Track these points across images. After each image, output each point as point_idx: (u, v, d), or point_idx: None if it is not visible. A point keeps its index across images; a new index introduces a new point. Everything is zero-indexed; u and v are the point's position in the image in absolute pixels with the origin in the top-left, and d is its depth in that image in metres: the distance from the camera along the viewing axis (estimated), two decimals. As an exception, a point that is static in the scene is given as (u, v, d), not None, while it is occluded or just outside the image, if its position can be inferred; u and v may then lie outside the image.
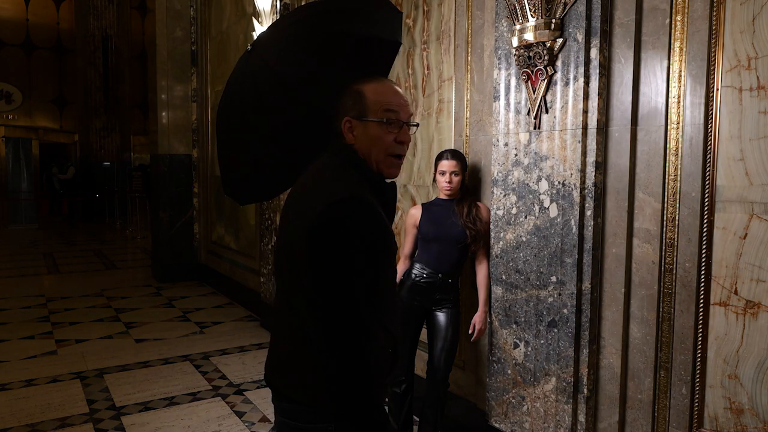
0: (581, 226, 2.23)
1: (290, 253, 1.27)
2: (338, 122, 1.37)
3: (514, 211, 2.47)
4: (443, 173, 2.68)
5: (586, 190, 2.22)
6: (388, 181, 1.37)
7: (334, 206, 1.18)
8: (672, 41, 2.02)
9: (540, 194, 2.35)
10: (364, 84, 1.38)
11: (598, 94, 2.17)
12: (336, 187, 1.24)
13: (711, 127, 1.93)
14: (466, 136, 2.97)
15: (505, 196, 2.51)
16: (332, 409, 1.24)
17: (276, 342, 1.43)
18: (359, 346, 1.19)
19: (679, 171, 2.02)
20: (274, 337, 1.45)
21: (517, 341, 2.48)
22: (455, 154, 2.70)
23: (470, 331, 2.72)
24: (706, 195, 1.95)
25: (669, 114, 2.04)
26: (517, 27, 2.35)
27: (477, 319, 2.70)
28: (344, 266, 1.18)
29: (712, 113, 1.93)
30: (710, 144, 1.93)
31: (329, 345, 1.19)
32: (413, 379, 2.86)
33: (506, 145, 2.50)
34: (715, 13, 1.91)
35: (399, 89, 1.43)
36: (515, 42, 2.37)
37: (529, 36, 2.30)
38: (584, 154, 2.21)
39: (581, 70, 2.19)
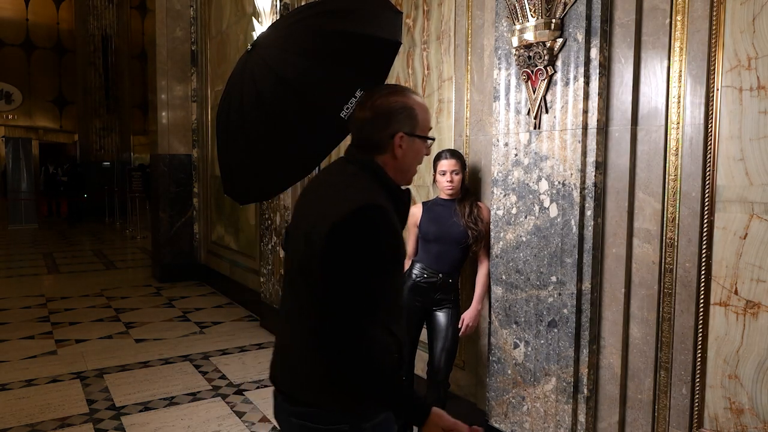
0: (581, 226, 2.23)
1: (307, 256, 1.31)
2: (385, 134, 1.38)
3: (514, 211, 2.47)
4: (443, 173, 2.68)
5: (586, 190, 2.22)
6: (403, 187, 1.43)
7: (357, 212, 1.25)
8: (672, 41, 2.02)
9: (540, 194, 2.35)
10: (409, 99, 1.41)
11: (598, 94, 2.17)
12: (357, 194, 1.30)
13: (711, 127, 1.93)
14: (466, 136, 2.97)
15: (505, 196, 2.51)
16: (351, 396, 1.31)
17: (286, 347, 1.44)
18: (370, 338, 1.26)
19: (679, 171, 2.02)
20: (283, 342, 1.47)
21: (517, 341, 2.48)
22: (454, 153, 2.70)
23: (459, 326, 2.71)
24: (706, 195, 1.95)
25: (669, 114, 2.04)
26: (517, 27, 2.35)
27: (467, 315, 2.70)
28: (362, 266, 1.25)
29: (712, 113, 1.93)
30: (710, 144, 1.93)
31: (341, 339, 1.25)
32: (413, 379, 2.86)
33: (506, 145, 2.50)
34: (715, 13, 1.91)
35: None
36: (515, 42, 2.37)
37: (529, 36, 2.30)
38: (584, 154, 2.21)
39: (581, 70, 2.19)
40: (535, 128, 2.36)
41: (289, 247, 1.45)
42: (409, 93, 1.43)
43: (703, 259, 1.96)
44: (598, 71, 2.16)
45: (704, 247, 1.96)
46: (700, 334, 1.99)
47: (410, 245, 2.85)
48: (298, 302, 1.38)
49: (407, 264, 2.84)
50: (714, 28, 1.91)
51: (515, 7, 2.34)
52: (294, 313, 1.40)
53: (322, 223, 1.27)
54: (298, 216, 1.45)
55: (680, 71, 2.00)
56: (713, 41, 1.91)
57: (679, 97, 2.01)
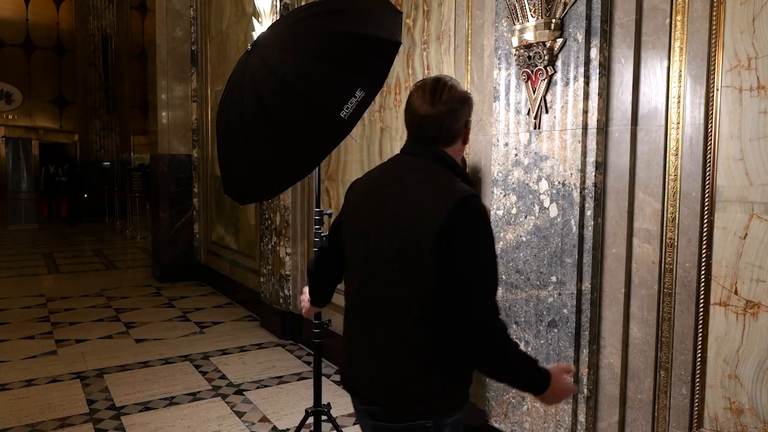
0: (581, 226, 2.23)
1: (408, 255, 1.33)
2: (461, 124, 1.44)
3: (514, 211, 2.47)
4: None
5: (586, 190, 2.22)
6: None
7: (463, 202, 1.31)
8: (672, 41, 2.02)
9: (540, 194, 2.35)
10: (461, 87, 1.47)
11: (598, 94, 2.17)
12: (451, 186, 1.36)
13: (711, 127, 1.93)
14: (466, 136, 2.97)
15: (505, 196, 2.51)
16: (485, 363, 1.36)
17: (367, 350, 1.44)
18: (499, 316, 1.33)
19: (679, 171, 2.02)
20: (362, 346, 1.46)
21: (517, 341, 2.48)
22: None
23: None
24: (706, 195, 1.95)
25: (669, 114, 2.04)
26: (517, 27, 2.35)
27: None
28: (483, 250, 1.33)
29: (712, 113, 1.93)
30: (710, 144, 1.93)
31: (477, 322, 1.29)
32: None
33: (506, 145, 2.50)
34: (715, 13, 1.91)
35: None
36: (515, 42, 2.37)
37: (529, 36, 2.30)
38: (584, 154, 2.21)
39: (581, 70, 2.19)
40: (535, 128, 2.36)
41: (358, 248, 1.46)
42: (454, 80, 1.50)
43: (703, 259, 1.96)
44: (598, 71, 2.16)
45: (704, 247, 1.96)
46: (700, 334, 1.99)
47: None
48: (386, 303, 1.38)
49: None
50: (714, 28, 1.91)
51: (515, 7, 2.34)
52: (381, 314, 1.39)
53: (425, 220, 1.30)
54: (366, 215, 1.44)
55: (680, 71, 2.00)
56: (713, 41, 1.91)
57: (679, 97, 2.01)
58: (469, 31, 2.93)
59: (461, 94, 1.42)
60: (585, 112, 2.19)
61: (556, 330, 2.32)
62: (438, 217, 1.28)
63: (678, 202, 2.02)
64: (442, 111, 1.39)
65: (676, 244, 2.03)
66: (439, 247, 1.27)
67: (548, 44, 2.25)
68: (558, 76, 2.26)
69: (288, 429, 3.24)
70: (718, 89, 1.91)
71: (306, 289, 1.93)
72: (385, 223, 1.38)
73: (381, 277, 1.39)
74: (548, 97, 2.30)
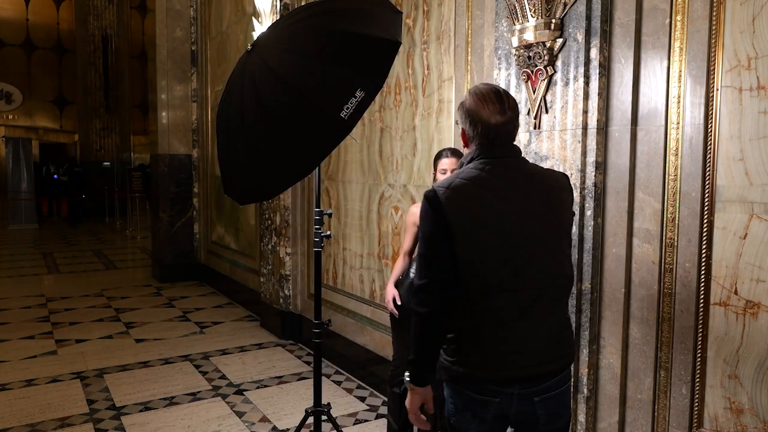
0: (581, 226, 2.23)
1: (563, 218, 1.63)
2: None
3: (514, 211, 2.47)
4: (444, 171, 2.69)
5: (586, 190, 2.22)
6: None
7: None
8: (672, 41, 2.02)
9: (540, 194, 2.35)
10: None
11: (598, 94, 2.17)
12: (552, 169, 1.77)
13: (711, 127, 1.93)
14: (466, 136, 2.97)
15: (505, 196, 2.51)
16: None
17: (541, 327, 1.57)
18: None
19: (679, 171, 2.02)
20: (537, 325, 1.56)
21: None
22: (455, 152, 2.71)
23: None
24: (706, 195, 1.95)
25: (669, 114, 2.04)
26: (517, 27, 2.35)
27: None
28: None
29: (712, 113, 1.93)
30: (710, 144, 1.93)
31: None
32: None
33: (506, 145, 2.49)
34: (715, 13, 1.91)
35: None
36: (515, 42, 2.37)
37: (529, 36, 2.30)
38: (584, 154, 2.21)
39: (581, 70, 2.19)
40: (535, 128, 2.36)
41: (505, 247, 1.52)
42: None
43: (703, 259, 1.96)
44: (598, 71, 2.16)
45: (704, 247, 1.96)
46: (700, 334, 1.99)
47: (407, 243, 2.85)
48: (552, 275, 1.57)
49: (406, 261, 2.85)
50: (714, 28, 1.91)
51: (515, 7, 2.34)
52: (547, 288, 1.56)
53: (563, 194, 1.63)
54: (513, 208, 1.54)
55: (680, 71, 2.00)
56: (713, 41, 1.91)
57: (679, 97, 2.01)
58: (469, 31, 2.93)
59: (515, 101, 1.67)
60: (585, 112, 2.19)
61: (556, 330, 2.32)
62: (567, 196, 1.65)
63: (678, 202, 2.02)
64: (515, 115, 1.61)
65: (676, 244, 2.03)
66: (570, 214, 1.69)
67: (548, 44, 2.25)
68: (558, 76, 2.26)
69: (288, 429, 3.24)
70: (718, 89, 1.91)
71: (411, 382, 1.72)
72: (528, 214, 1.54)
73: (543, 257, 1.54)
74: (548, 97, 2.30)
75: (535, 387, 1.56)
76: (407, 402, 1.71)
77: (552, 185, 1.62)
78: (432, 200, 1.51)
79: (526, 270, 1.52)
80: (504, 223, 1.51)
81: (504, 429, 1.62)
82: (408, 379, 1.67)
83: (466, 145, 1.66)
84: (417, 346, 1.62)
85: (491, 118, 1.54)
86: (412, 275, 2.75)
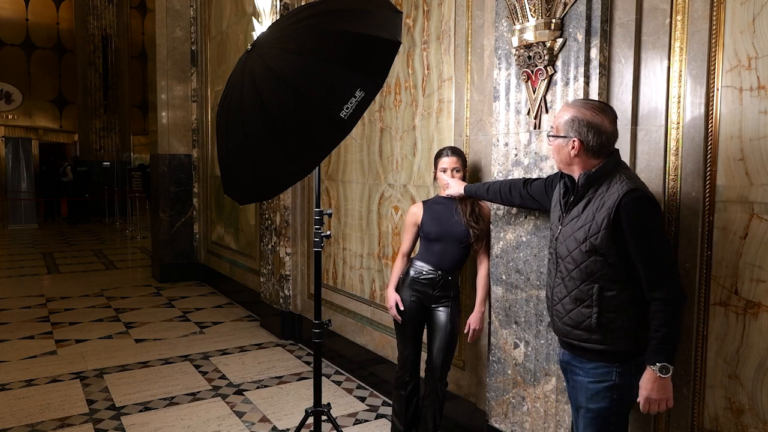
0: (581, 226, 2.23)
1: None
2: None
3: (514, 210, 2.47)
4: (444, 170, 2.69)
5: (586, 190, 2.21)
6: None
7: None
8: (672, 41, 2.02)
9: (540, 194, 2.35)
10: None
11: (598, 94, 2.17)
12: None
13: (711, 127, 1.93)
14: (466, 136, 2.97)
15: (505, 196, 2.51)
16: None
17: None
18: None
19: (679, 171, 2.02)
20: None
21: (517, 341, 2.48)
22: (455, 151, 2.71)
23: (465, 331, 2.72)
24: (707, 195, 1.95)
25: (669, 114, 2.04)
26: (517, 27, 2.35)
27: (473, 319, 2.70)
28: None
29: (712, 113, 1.93)
30: (710, 144, 1.93)
31: None
32: (419, 380, 2.84)
33: (506, 145, 2.50)
34: (715, 13, 1.91)
35: None
36: (515, 42, 2.37)
37: (529, 36, 2.30)
38: (584, 154, 2.20)
39: (581, 70, 2.19)
40: (535, 128, 2.36)
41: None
42: None
43: (704, 259, 1.96)
44: (598, 71, 2.16)
45: (704, 247, 1.96)
46: (700, 334, 1.99)
47: (407, 243, 2.85)
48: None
49: (405, 262, 2.84)
50: (714, 28, 1.91)
51: (515, 7, 2.34)
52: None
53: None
54: None
55: (680, 71, 2.00)
56: (713, 41, 1.91)
57: (679, 97, 2.01)
58: (469, 31, 2.93)
59: None
60: (585, 112, 2.19)
61: (556, 330, 2.31)
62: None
63: (678, 202, 2.02)
64: None
65: (676, 244, 2.03)
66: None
67: (548, 44, 2.25)
68: (558, 76, 2.26)
69: (288, 429, 3.24)
70: (718, 89, 1.91)
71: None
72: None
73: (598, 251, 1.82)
74: (548, 97, 2.30)
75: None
76: (661, 393, 1.76)
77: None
78: (655, 200, 1.76)
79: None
80: None
81: None
82: (667, 363, 1.72)
83: (576, 155, 1.82)
84: (679, 326, 1.76)
85: (610, 127, 1.80)
86: (411, 273, 2.74)
